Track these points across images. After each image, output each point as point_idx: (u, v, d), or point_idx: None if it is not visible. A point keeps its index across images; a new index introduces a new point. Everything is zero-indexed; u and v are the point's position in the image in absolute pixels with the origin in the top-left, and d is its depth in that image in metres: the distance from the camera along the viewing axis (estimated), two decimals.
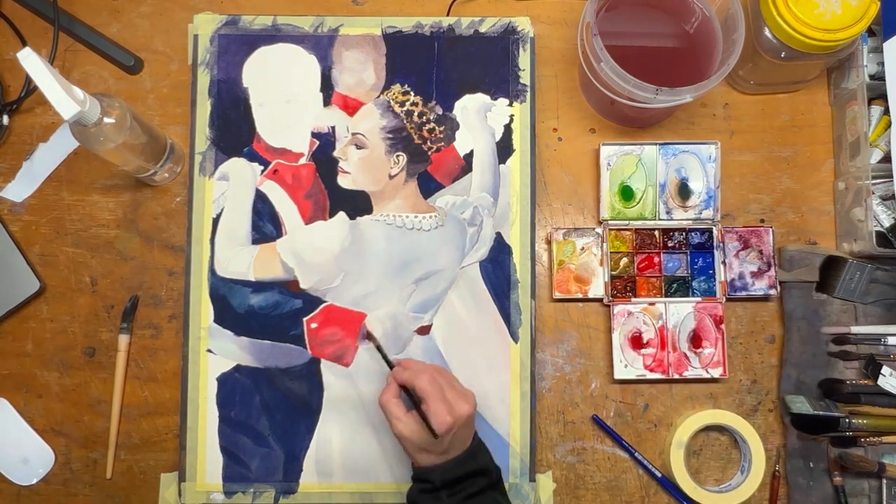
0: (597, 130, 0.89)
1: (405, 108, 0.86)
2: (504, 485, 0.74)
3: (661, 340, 0.84)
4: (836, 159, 0.88)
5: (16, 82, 0.88)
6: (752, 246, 0.84)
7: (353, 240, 0.84)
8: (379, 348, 0.78)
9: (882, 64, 0.82)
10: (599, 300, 0.85)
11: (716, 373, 0.83)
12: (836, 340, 0.84)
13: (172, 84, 0.88)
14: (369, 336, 0.81)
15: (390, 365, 0.75)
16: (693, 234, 0.85)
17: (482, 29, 0.87)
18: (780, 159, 0.88)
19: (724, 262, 0.84)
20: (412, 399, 0.71)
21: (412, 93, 0.86)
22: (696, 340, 0.83)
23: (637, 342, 0.84)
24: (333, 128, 0.86)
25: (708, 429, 0.84)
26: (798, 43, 0.76)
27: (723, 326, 0.83)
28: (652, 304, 0.84)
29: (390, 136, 0.86)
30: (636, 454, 0.83)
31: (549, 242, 0.86)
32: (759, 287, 0.84)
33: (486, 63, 0.87)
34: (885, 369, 0.79)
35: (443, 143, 0.86)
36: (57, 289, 0.85)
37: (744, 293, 0.84)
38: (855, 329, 0.83)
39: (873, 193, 0.82)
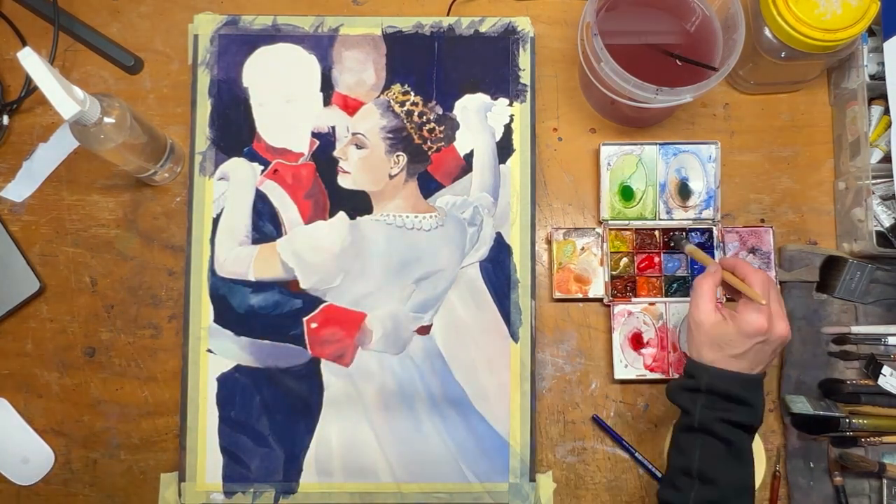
0: (597, 130, 0.89)
1: (405, 108, 0.86)
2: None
3: (662, 340, 0.84)
4: (836, 159, 0.88)
5: (16, 82, 0.88)
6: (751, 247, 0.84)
7: (353, 240, 0.84)
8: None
9: (882, 64, 0.82)
10: (599, 300, 0.85)
11: None
12: (836, 340, 0.84)
13: (172, 84, 0.88)
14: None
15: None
16: (693, 234, 0.85)
17: (482, 29, 0.87)
18: (780, 159, 0.88)
19: None
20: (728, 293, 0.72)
21: (412, 93, 0.86)
22: None
23: (637, 342, 0.84)
24: (333, 128, 0.86)
25: None
26: (798, 43, 0.76)
27: None
28: (652, 304, 0.84)
29: (390, 136, 0.86)
30: (636, 454, 0.83)
31: (549, 242, 0.86)
32: None
33: (486, 63, 0.87)
34: (886, 369, 0.79)
35: (443, 143, 0.86)
36: (57, 289, 0.85)
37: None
38: (855, 329, 0.83)
39: (873, 193, 0.82)
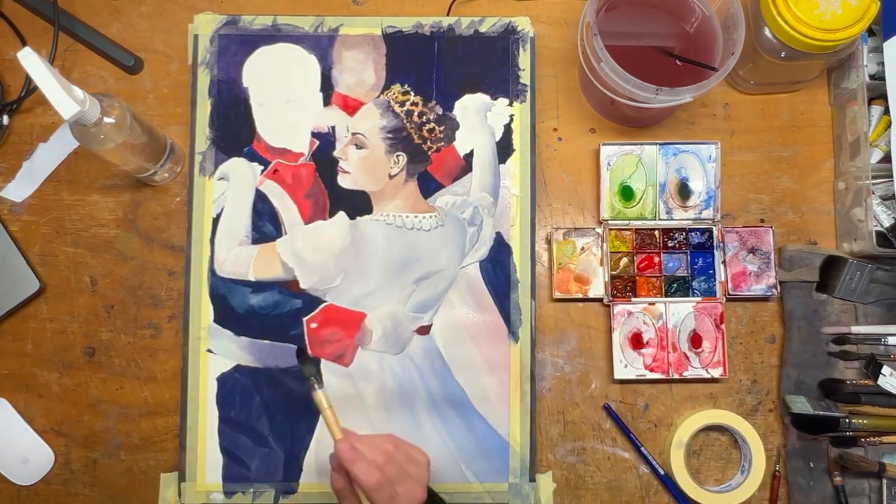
0: (597, 130, 0.89)
1: (405, 108, 0.86)
2: None
3: (661, 340, 0.84)
4: (836, 159, 0.88)
5: (16, 82, 0.88)
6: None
7: (353, 240, 0.84)
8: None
9: (882, 64, 0.82)
10: (599, 300, 0.85)
11: (716, 373, 0.83)
12: (836, 340, 0.84)
13: (172, 84, 0.88)
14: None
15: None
16: (693, 234, 0.85)
17: (482, 29, 0.87)
18: (780, 159, 0.88)
19: (723, 262, 0.84)
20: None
21: (412, 93, 0.86)
22: (695, 340, 0.83)
23: (637, 342, 0.84)
24: (333, 128, 0.86)
25: (708, 429, 0.84)
26: (798, 43, 0.76)
27: (723, 326, 0.83)
28: (652, 303, 0.84)
29: (390, 135, 0.86)
30: (642, 448, 0.83)
31: (549, 242, 0.86)
32: (759, 287, 0.84)
33: (486, 63, 0.87)
34: (886, 369, 0.79)
35: (443, 143, 0.86)
36: (57, 289, 0.85)
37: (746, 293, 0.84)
38: (855, 329, 0.83)
39: (873, 193, 0.82)
